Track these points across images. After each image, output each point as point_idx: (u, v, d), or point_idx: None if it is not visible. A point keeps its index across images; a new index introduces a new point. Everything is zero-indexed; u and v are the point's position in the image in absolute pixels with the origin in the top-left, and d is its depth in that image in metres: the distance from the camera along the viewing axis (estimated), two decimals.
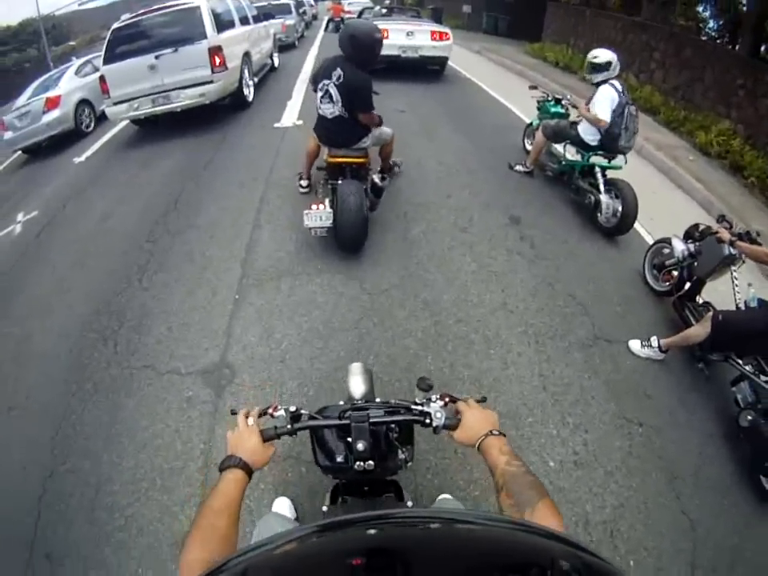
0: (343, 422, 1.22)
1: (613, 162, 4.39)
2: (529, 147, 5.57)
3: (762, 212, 5.16)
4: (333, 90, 3.62)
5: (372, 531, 0.60)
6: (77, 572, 2.25)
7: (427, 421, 1.18)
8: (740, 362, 2.81)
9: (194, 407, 2.90)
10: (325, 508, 1.47)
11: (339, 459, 1.34)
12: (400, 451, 1.31)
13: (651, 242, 4.03)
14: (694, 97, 7.45)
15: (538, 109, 5.44)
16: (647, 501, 2.48)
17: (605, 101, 4.12)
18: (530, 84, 6.23)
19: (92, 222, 5.05)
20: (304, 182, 4.77)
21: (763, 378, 2.65)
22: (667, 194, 5.59)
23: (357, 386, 1.68)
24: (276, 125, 6.75)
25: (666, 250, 3.66)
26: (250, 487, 1.29)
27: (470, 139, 6.25)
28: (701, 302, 3.36)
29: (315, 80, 3.80)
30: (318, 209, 3.65)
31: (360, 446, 1.18)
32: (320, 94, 3.72)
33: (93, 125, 8.59)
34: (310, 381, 2.97)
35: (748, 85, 6.43)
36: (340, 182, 3.74)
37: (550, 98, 5.28)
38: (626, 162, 4.45)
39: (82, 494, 2.54)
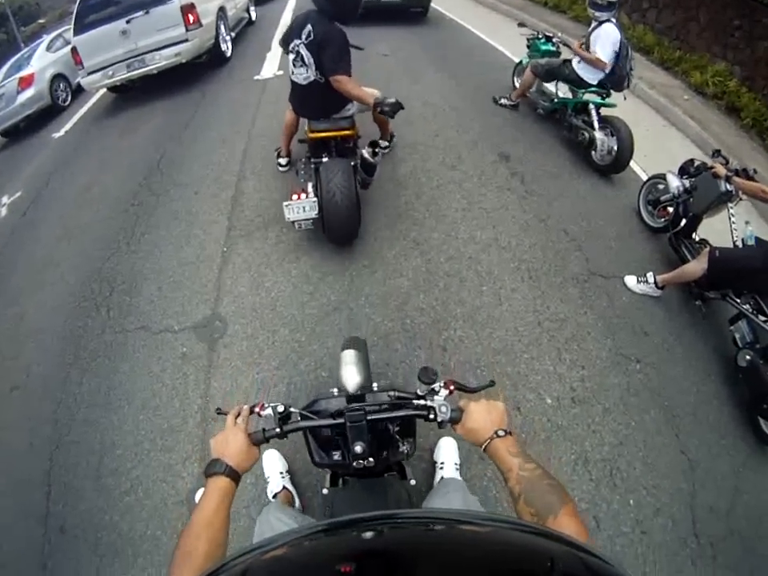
0: (338, 421, 1.11)
1: (607, 100, 4.23)
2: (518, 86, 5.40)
3: (758, 153, 4.89)
4: (303, 51, 3.04)
5: (368, 534, 0.59)
6: (90, 540, 2.28)
7: (431, 416, 1.08)
8: (738, 300, 2.73)
9: (188, 363, 2.85)
10: (325, 491, 1.40)
11: (336, 457, 1.26)
12: (401, 444, 1.24)
13: (646, 178, 3.88)
14: (688, 37, 6.99)
15: (528, 47, 5.22)
16: (646, 439, 2.44)
17: (608, 41, 3.94)
18: (518, 22, 6.00)
19: (76, 193, 4.91)
20: (283, 160, 4.23)
21: (761, 317, 2.56)
22: (661, 132, 5.29)
23: (351, 377, 1.51)
24: (256, 77, 6.42)
25: (661, 186, 3.54)
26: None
27: (456, 80, 5.88)
28: (697, 239, 3.27)
29: (286, 41, 3.21)
30: (299, 198, 3.06)
31: (358, 448, 1.09)
32: (291, 56, 3.15)
33: (69, 98, 8.26)
34: (301, 327, 2.89)
35: (745, 26, 6.07)
36: (324, 159, 3.20)
37: (540, 36, 5.07)
38: (624, 99, 4.32)
39: (88, 463, 2.54)
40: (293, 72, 3.22)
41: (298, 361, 2.76)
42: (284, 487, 2.13)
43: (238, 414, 1.10)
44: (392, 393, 1.19)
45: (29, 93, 7.74)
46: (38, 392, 2.99)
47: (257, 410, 1.13)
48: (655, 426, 2.50)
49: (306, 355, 2.78)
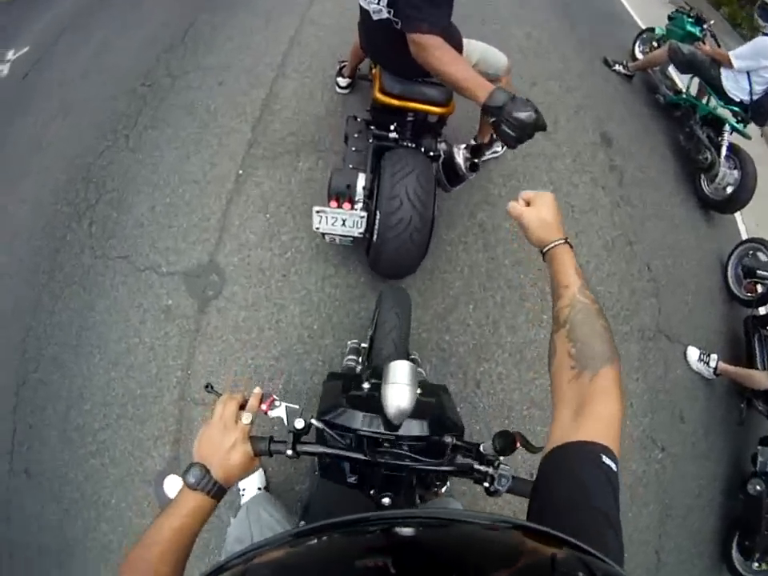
0: (370, 459, 0.87)
1: (744, 128, 3.54)
2: (639, 56, 4.61)
3: None
4: None
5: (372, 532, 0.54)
6: (53, 491, 2.13)
7: (485, 484, 0.87)
8: None
9: (172, 321, 2.34)
10: (317, 472, 1.08)
11: (352, 481, 0.97)
12: (433, 486, 1.06)
13: (745, 237, 3.49)
14: None
15: (669, 19, 4.36)
16: (632, 534, 2.37)
17: (753, 50, 3.29)
18: None
19: (85, 57, 4.02)
20: (344, 81, 3.16)
21: None
22: None
23: (398, 400, 0.90)
24: None
25: (762, 256, 3.16)
26: None
27: (570, 21, 4.54)
28: None
29: None
30: (338, 207, 2.05)
31: (386, 500, 0.89)
32: None
33: None
34: (315, 309, 2.27)
35: None
36: (392, 137, 2.15)
37: (691, 14, 4.19)
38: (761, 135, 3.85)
39: (54, 409, 2.27)
40: None
41: (303, 355, 2.23)
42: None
43: (237, 404, 0.87)
44: (451, 439, 0.93)
45: None
46: (7, 313, 2.55)
47: (264, 406, 0.90)
48: (646, 522, 2.44)
49: (314, 349, 2.24)
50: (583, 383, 0.72)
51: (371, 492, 0.93)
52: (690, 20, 4.12)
